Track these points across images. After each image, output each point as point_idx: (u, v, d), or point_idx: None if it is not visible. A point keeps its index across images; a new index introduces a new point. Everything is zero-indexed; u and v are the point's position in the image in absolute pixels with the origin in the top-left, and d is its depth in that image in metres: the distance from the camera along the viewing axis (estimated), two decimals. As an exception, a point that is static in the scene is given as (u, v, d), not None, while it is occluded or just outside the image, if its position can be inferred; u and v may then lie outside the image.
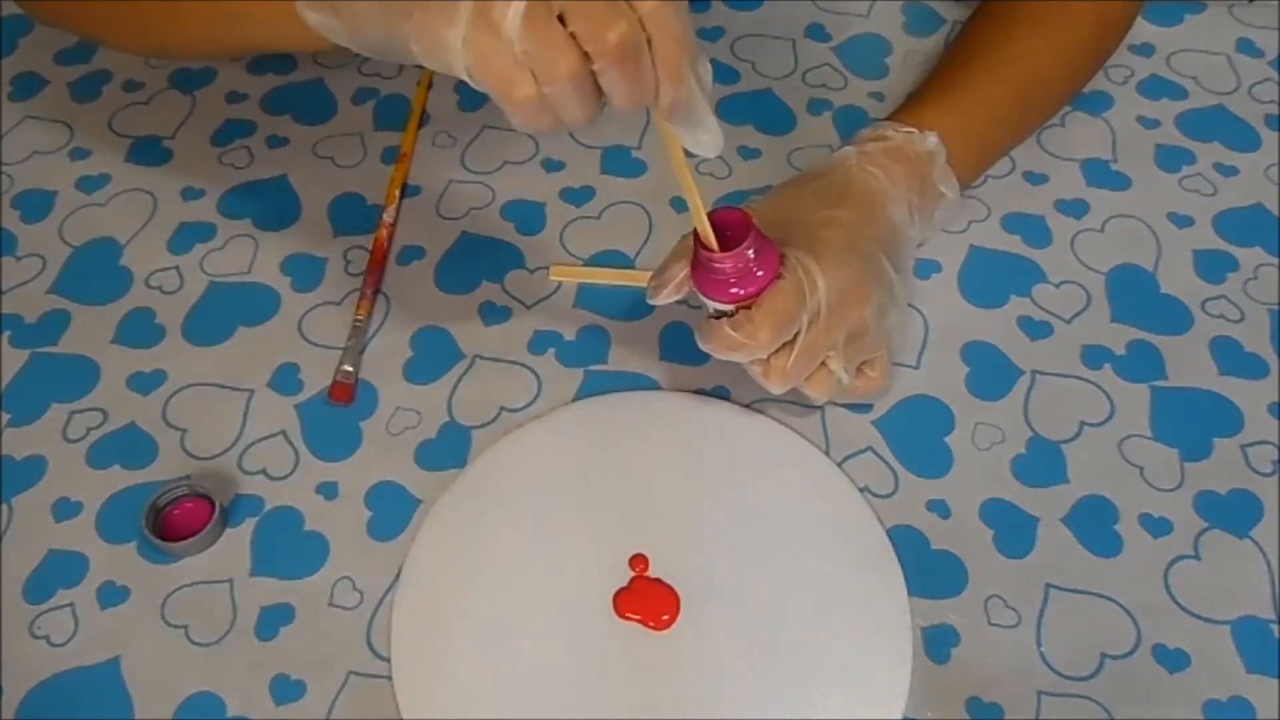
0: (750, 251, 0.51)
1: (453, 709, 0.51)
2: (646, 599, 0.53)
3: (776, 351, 0.54)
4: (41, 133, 0.73)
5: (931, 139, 0.59)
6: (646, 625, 0.53)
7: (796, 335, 0.53)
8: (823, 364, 0.55)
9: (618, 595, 0.54)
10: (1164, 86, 0.75)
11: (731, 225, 0.52)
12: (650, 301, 0.56)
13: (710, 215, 0.52)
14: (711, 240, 0.51)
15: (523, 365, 0.62)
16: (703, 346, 0.55)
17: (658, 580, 0.54)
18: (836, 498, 0.57)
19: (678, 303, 0.57)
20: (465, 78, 0.44)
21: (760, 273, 0.52)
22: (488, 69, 0.43)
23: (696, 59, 0.45)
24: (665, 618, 0.53)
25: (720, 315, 0.54)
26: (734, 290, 0.52)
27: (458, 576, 0.55)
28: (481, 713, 0.51)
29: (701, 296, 0.54)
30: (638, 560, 0.55)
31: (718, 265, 0.52)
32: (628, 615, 0.53)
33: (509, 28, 0.42)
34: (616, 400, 0.61)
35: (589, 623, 0.53)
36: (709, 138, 0.47)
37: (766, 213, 0.56)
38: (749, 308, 0.53)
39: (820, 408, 0.60)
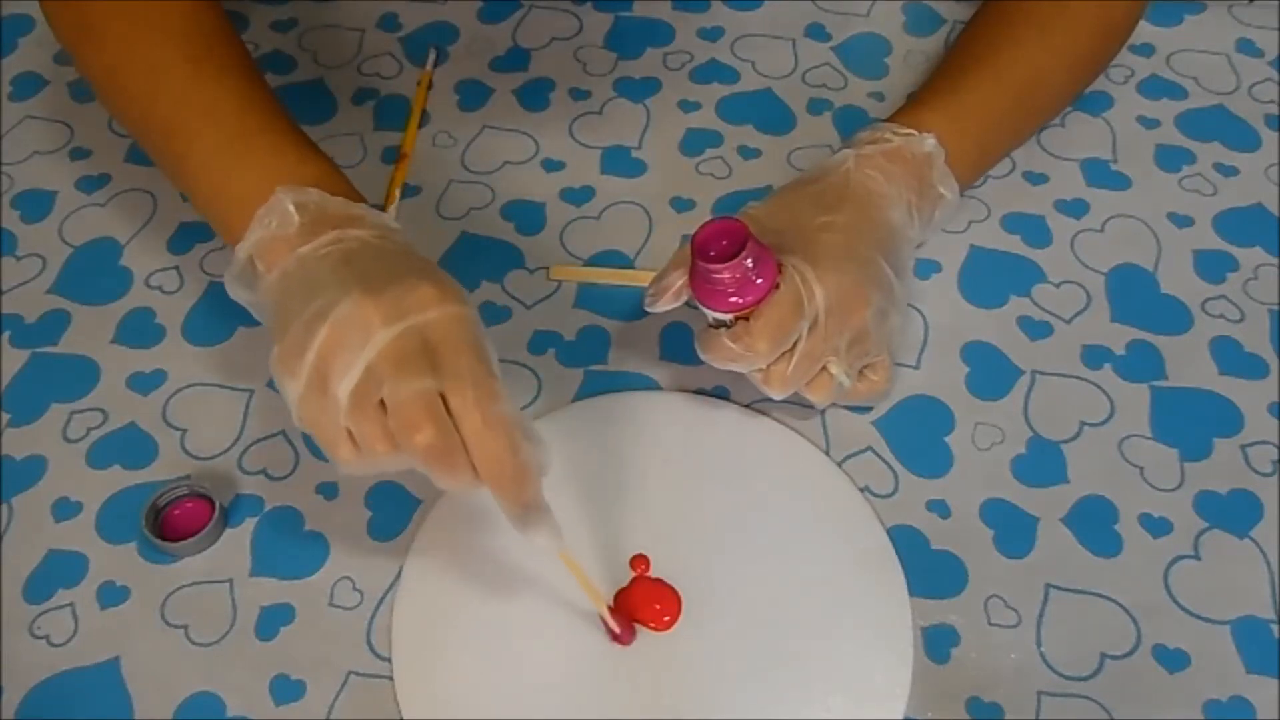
0: (749, 261, 0.51)
1: (453, 709, 0.51)
2: (648, 599, 0.53)
3: (776, 359, 0.54)
4: (41, 133, 0.73)
5: (930, 141, 0.59)
6: (647, 625, 0.53)
7: (796, 342, 0.53)
8: (824, 368, 0.55)
9: (618, 595, 0.54)
10: (1164, 86, 0.75)
11: (728, 234, 0.52)
12: (648, 309, 0.56)
13: (707, 224, 0.52)
14: (612, 625, 0.52)
15: (523, 365, 0.62)
16: (702, 357, 0.55)
17: (659, 580, 0.54)
18: (836, 498, 0.57)
19: (678, 303, 0.57)
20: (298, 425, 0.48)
21: (759, 281, 0.52)
22: (316, 428, 0.47)
23: (524, 474, 0.47)
24: (667, 618, 0.53)
25: (719, 324, 0.54)
26: (733, 299, 0.52)
27: (458, 576, 0.55)
28: (481, 713, 0.51)
29: (700, 306, 0.54)
30: (639, 560, 0.55)
31: (716, 275, 0.52)
32: (628, 615, 0.53)
33: (338, 397, 0.46)
34: (616, 400, 0.61)
35: (590, 623, 0.53)
36: (544, 539, 0.49)
37: (763, 219, 0.56)
38: (748, 316, 0.53)
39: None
